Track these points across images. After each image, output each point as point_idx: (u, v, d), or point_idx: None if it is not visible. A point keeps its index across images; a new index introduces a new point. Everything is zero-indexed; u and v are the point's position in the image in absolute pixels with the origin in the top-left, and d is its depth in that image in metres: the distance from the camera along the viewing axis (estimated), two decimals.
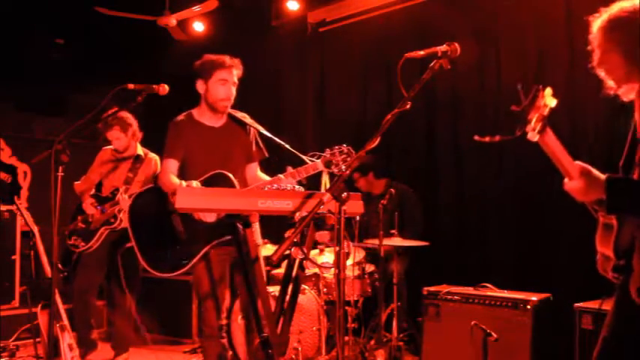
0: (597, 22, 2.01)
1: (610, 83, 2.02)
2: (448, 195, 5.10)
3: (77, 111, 5.42)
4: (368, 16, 5.67)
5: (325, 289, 4.34)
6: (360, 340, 4.36)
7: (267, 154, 3.43)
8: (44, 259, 3.89)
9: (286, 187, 2.89)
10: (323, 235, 4.69)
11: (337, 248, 2.11)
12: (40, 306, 3.82)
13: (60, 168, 2.91)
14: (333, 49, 6.02)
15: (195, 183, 2.94)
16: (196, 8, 5.57)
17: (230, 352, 3.43)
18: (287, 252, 2.70)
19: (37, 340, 4.06)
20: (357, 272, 4.38)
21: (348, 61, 5.87)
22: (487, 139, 1.99)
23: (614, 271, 1.93)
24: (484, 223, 4.86)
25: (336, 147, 2.97)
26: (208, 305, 3.18)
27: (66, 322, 3.82)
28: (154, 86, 2.95)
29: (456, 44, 2.20)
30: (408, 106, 2.13)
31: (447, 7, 5.03)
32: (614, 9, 1.98)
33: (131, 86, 2.92)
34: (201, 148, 3.22)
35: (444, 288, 4.04)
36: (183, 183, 2.93)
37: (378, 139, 2.10)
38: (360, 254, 4.49)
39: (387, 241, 4.27)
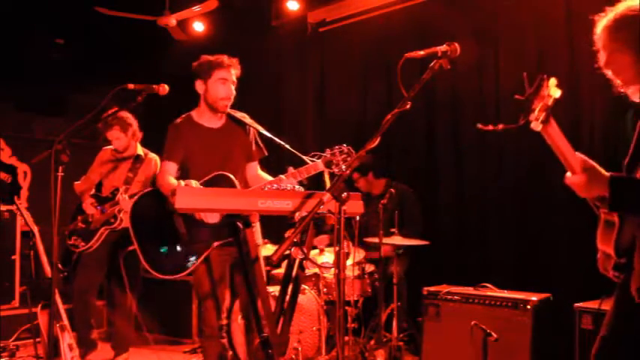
0: (602, 22, 1.98)
1: (618, 83, 2.00)
2: (448, 195, 5.10)
3: (77, 111, 5.42)
4: (368, 16, 5.67)
5: (325, 289, 4.34)
6: (360, 340, 4.36)
7: (266, 153, 3.43)
8: (44, 259, 3.89)
9: (286, 187, 2.89)
10: (322, 240, 4.70)
11: (337, 248, 2.11)
12: (40, 306, 3.82)
13: (60, 168, 2.91)
14: (333, 49, 6.02)
15: (194, 183, 2.94)
16: (196, 8, 5.57)
17: (230, 352, 3.43)
18: (287, 252, 2.71)
19: (37, 340, 4.06)
20: (357, 272, 4.38)
21: (348, 61, 5.87)
22: (490, 127, 1.97)
23: (615, 269, 1.93)
24: (484, 223, 4.86)
25: (337, 147, 2.98)
26: (208, 305, 3.18)
27: (66, 322, 3.82)
28: (154, 86, 2.95)
29: (456, 44, 2.20)
30: (408, 106, 2.13)
31: (447, 7, 5.03)
32: (620, 8, 1.95)
33: (131, 86, 2.92)
34: (201, 149, 3.22)
35: (444, 288, 4.03)
36: (182, 183, 2.93)
37: (378, 139, 2.10)
38: (360, 254, 4.49)
39: (387, 240, 4.27)
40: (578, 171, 1.88)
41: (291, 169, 3.01)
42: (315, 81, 6.15)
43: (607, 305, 2.10)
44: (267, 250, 4.39)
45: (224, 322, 3.26)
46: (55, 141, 2.92)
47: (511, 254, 4.65)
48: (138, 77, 3.19)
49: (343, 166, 2.90)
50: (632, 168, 1.96)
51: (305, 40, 6.12)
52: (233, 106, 3.33)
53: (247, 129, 3.36)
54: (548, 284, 4.03)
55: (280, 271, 4.21)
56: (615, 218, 1.89)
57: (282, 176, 3.00)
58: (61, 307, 3.78)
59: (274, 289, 3.63)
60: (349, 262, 4.22)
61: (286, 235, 3.23)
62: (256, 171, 3.40)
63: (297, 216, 2.51)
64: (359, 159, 2.21)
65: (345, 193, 2.08)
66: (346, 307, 4.20)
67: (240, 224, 2.65)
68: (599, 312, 3.27)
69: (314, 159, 3.02)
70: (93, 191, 4.51)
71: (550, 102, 1.79)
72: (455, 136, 5.08)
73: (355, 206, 2.72)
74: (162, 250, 3.05)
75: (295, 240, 2.35)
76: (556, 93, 1.79)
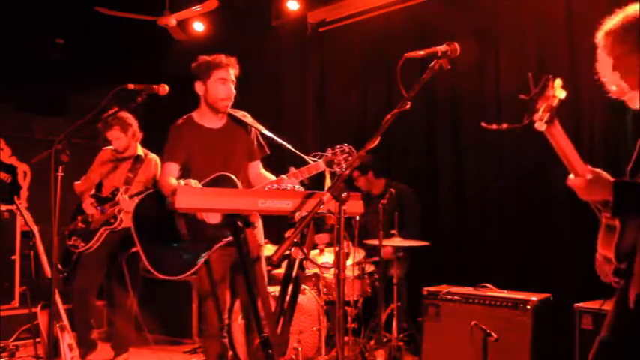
0: (607, 27, 1.97)
1: (615, 90, 1.98)
2: (448, 195, 5.11)
3: (77, 111, 5.42)
4: (368, 16, 5.67)
5: (325, 289, 4.34)
6: (360, 340, 4.36)
7: (268, 152, 3.43)
8: (44, 259, 3.89)
9: (286, 187, 2.89)
10: (322, 238, 4.70)
11: (337, 248, 2.11)
12: (40, 306, 3.82)
13: (60, 168, 2.91)
14: (333, 49, 6.02)
15: (193, 182, 2.94)
16: (196, 8, 5.57)
17: (230, 352, 3.43)
18: (287, 252, 2.71)
19: (37, 340, 4.06)
20: (357, 272, 4.38)
21: (348, 61, 5.87)
22: (494, 127, 1.96)
23: (615, 274, 1.93)
24: (484, 223, 4.86)
25: (338, 146, 2.97)
26: (210, 305, 3.19)
27: (66, 322, 3.82)
28: (154, 86, 2.95)
29: (456, 44, 2.20)
30: (408, 106, 2.12)
31: (447, 7, 5.03)
32: (629, 11, 1.93)
33: (131, 86, 2.92)
34: (203, 150, 3.22)
35: (444, 288, 4.03)
36: (182, 182, 2.93)
37: (378, 139, 2.10)
38: (360, 254, 4.50)
39: (386, 242, 4.27)
40: (580, 173, 1.87)
41: (292, 169, 3.01)
42: (315, 81, 6.15)
43: (608, 306, 2.09)
44: (267, 250, 4.38)
45: (226, 321, 3.26)
46: (55, 141, 2.92)
47: (511, 254, 4.65)
48: (138, 77, 3.19)
49: (344, 166, 2.89)
50: (635, 173, 1.95)
51: (305, 40, 6.12)
52: (233, 106, 3.33)
53: (248, 128, 3.35)
54: (548, 284, 4.03)
55: (280, 271, 4.21)
56: (616, 222, 1.88)
57: (283, 176, 3.00)
58: (61, 307, 3.78)
59: (274, 289, 3.63)
60: (349, 262, 4.22)
61: (286, 235, 3.23)
62: (258, 170, 3.39)
63: (297, 216, 2.51)
64: (359, 159, 2.21)
65: (345, 193, 2.08)
66: (346, 307, 4.20)
67: (240, 224, 2.65)
68: (599, 312, 3.27)
69: (315, 159, 3.02)
70: (93, 191, 4.51)
71: (555, 103, 1.78)
72: (455, 136, 5.08)
73: (355, 206, 2.71)
74: (164, 251, 3.05)
75: (295, 240, 2.34)
76: (561, 94, 1.78)
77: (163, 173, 3.22)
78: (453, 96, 5.07)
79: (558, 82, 1.79)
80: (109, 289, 4.59)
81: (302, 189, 2.79)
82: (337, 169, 2.92)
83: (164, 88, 2.97)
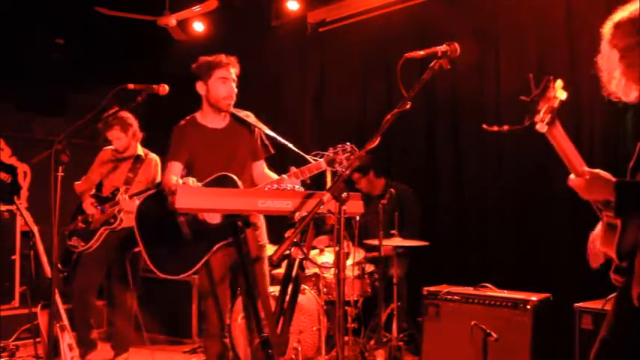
0: (618, 17, 1.95)
1: (614, 85, 1.98)
2: (448, 195, 5.10)
3: (77, 111, 5.42)
4: (368, 16, 5.66)
5: (325, 289, 4.34)
6: (360, 340, 4.36)
7: (273, 151, 3.42)
8: (44, 259, 3.88)
9: (286, 187, 2.89)
10: (321, 241, 4.69)
11: (337, 248, 2.11)
12: (40, 306, 3.82)
13: (60, 168, 2.91)
14: (333, 49, 6.02)
15: (191, 180, 2.93)
16: (196, 8, 5.57)
17: (231, 353, 3.43)
18: (287, 252, 2.71)
19: (37, 340, 4.06)
20: (357, 272, 4.38)
21: (348, 61, 5.87)
22: (495, 128, 1.96)
23: (616, 272, 1.93)
24: (484, 223, 4.86)
25: (340, 145, 2.95)
26: (210, 304, 3.19)
27: (66, 322, 3.82)
28: (154, 86, 2.95)
29: (456, 44, 2.20)
30: (408, 106, 2.12)
31: (447, 7, 5.03)
32: (637, 4, 1.92)
33: (131, 86, 2.93)
34: (206, 150, 3.22)
35: (444, 288, 4.03)
36: (180, 181, 2.93)
37: (378, 139, 2.10)
38: (360, 254, 4.49)
39: (386, 242, 4.27)
40: (581, 173, 1.87)
41: (292, 169, 3.00)
42: (315, 81, 6.15)
43: (609, 307, 2.09)
44: (268, 250, 4.38)
45: (227, 321, 3.26)
46: (55, 141, 2.92)
47: (511, 254, 4.65)
48: (138, 77, 3.19)
49: (346, 165, 2.88)
50: (635, 171, 1.95)
51: (305, 40, 6.12)
52: (235, 106, 3.33)
53: (252, 128, 3.35)
54: (548, 284, 4.03)
55: (280, 271, 4.21)
56: (617, 221, 1.88)
57: (284, 176, 3.00)
58: (61, 307, 3.78)
59: (274, 289, 3.63)
60: (349, 262, 4.22)
61: (286, 235, 3.23)
62: (262, 170, 3.39)
63: (297, 216, 2.51)
64: (359, 159, 2.21)
65: (345, 193, 2.08)
66: (346, 307, 4.20)
67: (240, 224, 2.65)
68: (599, 312, 3.27)
69: (316, 158, 3.01)
70: (93, 191, 4.51)
71: (556, 104, 1.77)
72: (455, 136, 5.08)
73: (355, 206, 2.71)
74: (165, 251, 3.05)
75: (295, 240, 2.34)
76: (562, 95, 1.78)
77: (167, 172, 3.23)
78: (453, 96, 5.07)
79: (559, 83, 1.78)
80: (109, 289, 4.59)
81: (302, 189, 2.79)
82: (339, 168, 2.90)
83: (164, 88, 2.97)
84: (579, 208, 2.28)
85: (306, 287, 4.20)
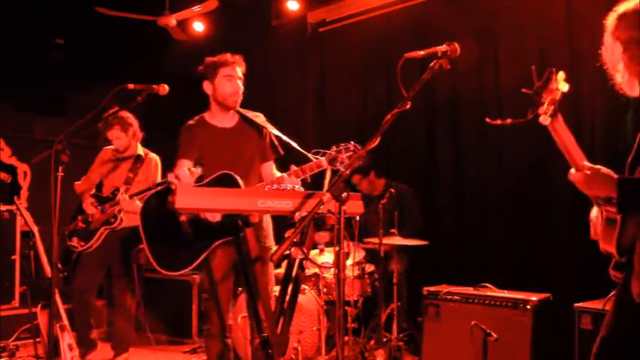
0: (622, 9, 1.94)
1: (620, 78, 1.97)
2: (448, 195, 5.11)
3: (77, 111, 5.42)
4: (368, 16, 5.67)
5: (325, 289, 4.34)
6: (360, 340, 4.36)
7: (282, 152, 3.42)
8: (44, 259, 3.89)
9: (286, 187, 2.88)
10: (322, 237, 4.69)
11: (337, 248, 2.11)
12: (40, 306, 3.82)
13: (60, 168, 2.91)
14: (333, 49, 6.02)
15: (186, 170, 2.94)
16: (196, 8, 5.57)
17: (232, 353, 3.43)
18: (287, 252, 2.71)
19: (37, 340, 4.06)
20: (357, 272, 4.38)
21: (348, 61, 5.87)
22: (498, 122, 1.95)
23: (615, 269, 1.92)
24: (484, 223, 4.86)
25: (342, 144, 2.92)
26: (211, 304, 3.19)
27: (66, 322, 3.82)
28: (154, 86, 2.95)
29: (456, 44, 2.19)
30: (408, 106, 2.12)
31: (447, 7, 5.03)
32: None
33: (131, 86, 2.93)
34: (213, 149, 3.24)
35: (444, 288, 4.03)
36: (187, 171, 2.92)
37: (378, 139, 2.10)
38: (360, 254, 4.50)
39: (386, 240, 4.27)
40: (581, 167, 1.87)
41: (293, 167, 3.00)
42: (315, 81, 6.15)
43: (609, 307, 2.09)
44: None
45: (230, 321, 3.26)
46: (55, 141, 2.92)
47: (511, 254, 4.65)
48: (138, 77, 3.19)
49: (347, 163, 2.85)
50: (634, 166, 1.95)
51: (305, 40, 6.12)
52: (242, 106, 3.34)
53: (260, 129, 3.35)
54: (548, 284, 4.03)
55: (280, 271, 4.21)
56: (617, 216, 1.88)
57: (284, 174, 3.00)
58: (61, 307, 3.78)
59: (274, 289, 3.63)
60: (349, 262, 4.22)
61: (286, 235, 3.23)
62: (271, 170, 3.39)
63: (297, 216, 2.51)
64: (359, 159, 2.21)
65: (345, 193, 2.08)
66: (346, 307, 4.20)
67: (240, 224, 2.65)
68: (598, 312, 3.27)
69: (318, 156, 2.99)
70: (93, 191, 4.51)
71: (558, 96, 1.76)
72: (455, 136, 5.08)
73: (355, 206, 2.71)
74: (167, 247, 3.06)
75: (295, 240, 2.34)
76: (564, 87, 1.77)
77: (176, 170, 3.24)
78: (453, 96, 5.07)
79: (561, 74, 1.78)
80: (109, 289, 4.59)
81: (302, 189, 2.79)
82: (340, 167, 2.88)
83: (164, 88, 2.97)
84: (579, 208, 2.28)
85: (306, 287, 4.20)
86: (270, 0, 6.03)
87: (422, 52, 2.22)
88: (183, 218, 2.99)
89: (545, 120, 1.78)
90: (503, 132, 4.61)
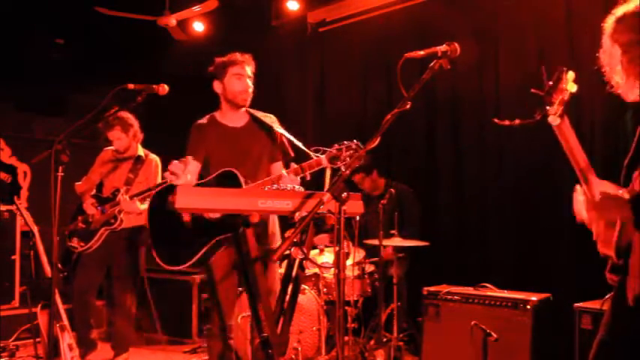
0: (621, 11, 1.92)
1: (618, 81, 1.96)
2: (448, 195, 5.11)
3: (77, 111, 5.42)
4: (368, 16, 5.67)
5: (325, 289, 4.34)
6: (360, 340, 4.36)
7: (292, 154, 3.42)
8: (44, 259, 3.89)
9: (286, 187, 2.88)
10: (322, 239, 4.69)
11: (337, 248, 2.11)
12: (40, 306, 3.82)
13: (60, 168, 2.91)
14: (333, 49, 6.02)
15: (176, 164, 2.94)
16: (196, 8, 5.57)
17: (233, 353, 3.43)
18: (287, 252, 2.71)
19: (37, 340, 4.06)
20: (357, 272, 4.38)
21: (348, 61, 5.87)
22: (506, 122, 1.94)
23: (611, 272, 1.92)
24: (484, 223, 4.86)
25: (345, 143, 2.87)
26: (214, 304, 3.19)
27: (66, 322, 3.82)
28: (154, 86, 2.96)
29: (456, 44, 2.20)
30: (408, 106, 2.12)
31: (447, 7, 5.03)
32: None
33: (131, 86, 2.93)
34: (221, 147, 3.26)
35: (444, 288, 4.03)
36: (173, 164, 2.93)
37: (378, 139, 2.10)
38: (360, 254, 4.50)
39: (386, 242, 4.27)
40: (585, 167, 1.85)
41: (293, 165, 3.00)
42: (315, 81, 6.15)
43: (607, 306, 2.09)
44: None
45: (232, 322, 3.26)
46: (55, 141, 2.92)
47: (511, 254, 4.65)
48: (138, 77, 3.19)
49: (348, 161, 2.82)
50: (632, 167, 1.94)
51: (305, 40, 6.12)
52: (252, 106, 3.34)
53: (271, 129, 3.35)
54: (548, 284, 4.03)
55: (280, 271, 4.21)
56: (617, 219, 1.87)
57: (284, 172, 3.00)
58: (61, 307, 3.78)
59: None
60: (349, 262, 4.22)
61: (286, 235, 3.22)
62: (280, 171, 3.39)
63: (297, 216, 2.51)
64: (359, 159, 2.21)
65: (345, 193, 2.08)
66: (346, 307, 4.20)
67: (240, 223, 2.65)
68: (598, 312, 3.27)
69: (317, 154, 2.98)
70: (94, 192, 4.51)
71: (567, 96, 1.75)
72: (455, 136, 5.08)
73: (355, 206, 2.71)
74: (171, 245, 3.07)
75: (295, 240, 2.34)
76: (573, 87, 1.75)
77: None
78: (453, 96, 5.07)
79: (571, 74, 1.75)
80: (109, 289, 4.59)
81: (302, 189, 2.78)
82: (341, 166, 2.85)
83: (164, 88, 2.98)
84: None
85: (306, 287, 4.20)
86: (270, 0, 6.03)
87: (422, 52, 2.22)
88: (187, 219, 3.00)
89: (554, 120, 1.77)
90: (503, 132, 4.61)
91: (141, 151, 4.57)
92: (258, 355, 2.75)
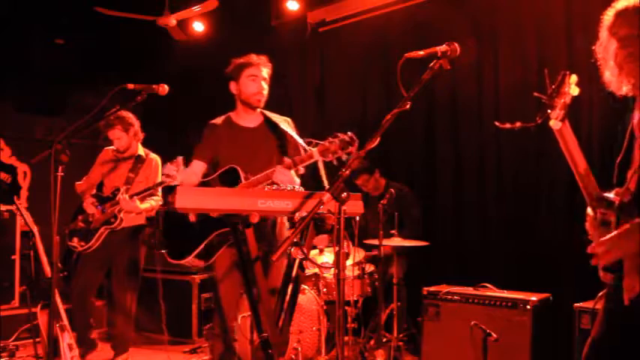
0: (620, 5, 1.90)
1: (609, 74, 1.95)
2: (448, 195, 5.10)
3: (77, 111, 5.42)
4: (368, 16, 5.66)
5: (325, 289, 4.34)
6: (360, 340, 4.37)
7: None
8: (44, 259, 3.88)
9: (286, 187, 2.88)
10: (321, 240, 4.69)
11: (337, 248, 2.11)
12: (39, 306, 3.82)
13: (60, 168, 2.91)
14: (333, 49, 6.02)
15: (170, 166, 2.95)
16: (196, 8, 5.57)
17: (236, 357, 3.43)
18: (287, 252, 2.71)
19: (37, 340, 4.06)
20: (356, 272, 4.38)
21: (348, 61, 5.87)
22: (507, 125, 1.93)
23: (605, 270, 1.91)
24: (484, 223, 4.86)
25: (339, 135, 2.83)
26: (217, 305, 3.20)
27: (66, 322, 3.82)
28: (154, 86, 2.96)
29: (456, 44, 2.20)
30: (407, 106, 2.12)
31: (447, 7, 5.03)
32: None
33: (131, 86, 2.93)
34: (232, 146, 3.27)
35: (444, 288, 4.04)
36: (166, 167, 2.94)
37: (378, 139, 2.10)
38: (360, 254, 4.49)
39: (386, 242, 4.27)
40: (583, 171, 1.85)
41: (286, 159, 3.00)
42: (315, 81, 6.14)
43: (600, 305, 2.09)
44: None
45: (233, 323, 3.26)
46: (55, 141, 2.92)
47: (511, 254, 4.64)
48: (138, 77, 3.20)
49: (345, 156, 2.79)
50: (624, 167, 1.94)
51: (305, 40, 6.12)
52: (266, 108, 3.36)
53: (283, 131, 3.34)
54: (548, 284, 4.03)
55: None
56: (612, 217, 1.86)
57: (277, 166, 2.99)
58: (61, 307, 3.78)
59: None
60: (349, 262, 4.22)
61: (286, 235, 3.23)
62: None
63: (297, 216, 2.51)
64: (358, 159, 2.21)
65: (345, 193, 2.08)
66: (346, 307, 4.20)
67: (239, 222, 2.65)
68: (598, 312, 3.27)
69: (310, 147, 2.96)
70: (94, 191, 4.51)
71: (569, 100, 1.74)
72: (455, 136, 5.08)
73: (355, 206, 2.71)
74: (177, 241, 3.09)
75: (295, 240, 2.34)
76: (575, 91, 1.74)
77: (188, 169, 3.27)
78: (453, 96, 5.07)
79: (574, 78, 1.74)
80: (109, 289, 4.59)
81: (302, 189, 2.78)
82: (332, 158, 2.82)
83: (164, 88, 2.98)
84: (579, 208, 2.29)
85: (306, 287, 4.20)
86: (270, 0, 6.03)
87: (422, 52, 2.22)
88: (192, 219, 3.02)
89: (556, 125, 1.76)
90: (503, 132, 4.61)
91: (141, 151, 4.57)
92: (258, 355, 2.75)
